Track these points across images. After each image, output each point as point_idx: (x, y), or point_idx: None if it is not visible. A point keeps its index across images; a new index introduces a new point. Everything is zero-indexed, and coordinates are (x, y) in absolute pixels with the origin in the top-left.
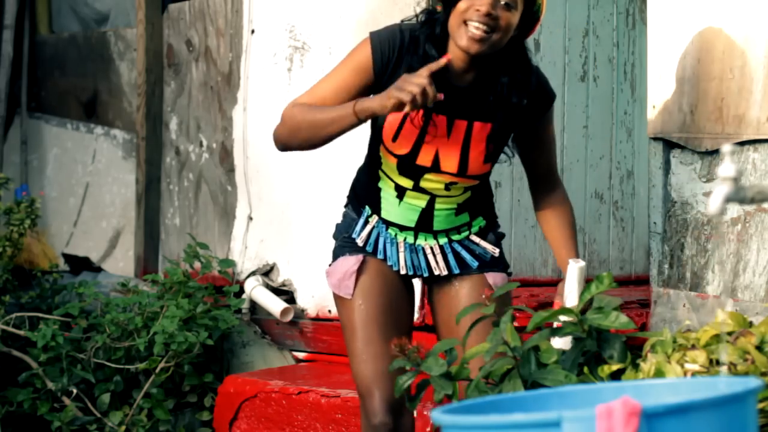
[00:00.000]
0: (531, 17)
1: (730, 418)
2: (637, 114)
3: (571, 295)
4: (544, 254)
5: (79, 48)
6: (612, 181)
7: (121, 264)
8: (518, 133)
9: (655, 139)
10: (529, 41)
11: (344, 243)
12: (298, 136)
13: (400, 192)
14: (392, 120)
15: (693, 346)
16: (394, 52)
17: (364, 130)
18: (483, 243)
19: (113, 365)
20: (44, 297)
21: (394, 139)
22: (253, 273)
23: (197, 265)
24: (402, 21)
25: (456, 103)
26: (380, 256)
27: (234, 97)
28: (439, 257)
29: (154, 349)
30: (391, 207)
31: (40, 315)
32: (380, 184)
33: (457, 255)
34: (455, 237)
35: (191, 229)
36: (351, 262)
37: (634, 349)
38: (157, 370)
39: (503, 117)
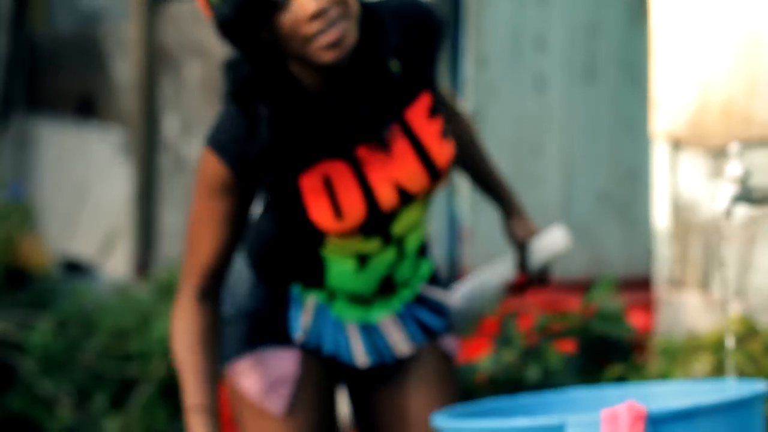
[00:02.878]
0: None
1: (737, 422)
2: (641, 113)
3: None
4: None
5: (75, 46)
6: (617, 181)
7: (118, 265)
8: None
9: (660, 138)
10: (533, 39)
11: (263, 325)
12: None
13: (363, 260)
14: (314, 201)
15: (699, 349)
16: (243, 134)
17: None
18: (436, 292)
19: (109, 368)
20: (39, 299)
21: (339, 215)
22: None
23: None
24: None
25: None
26: (329, 347)
27: None
28: (400, 331)
29: (150, 352)
30: (342, 276)
31: (35, 318)
32: (324, 254)
33: (417, 320)
34: (407, 295)
35: None
36: (287, 362)
37: (639, 352)
38: (154, 374)
39: (417, 82)
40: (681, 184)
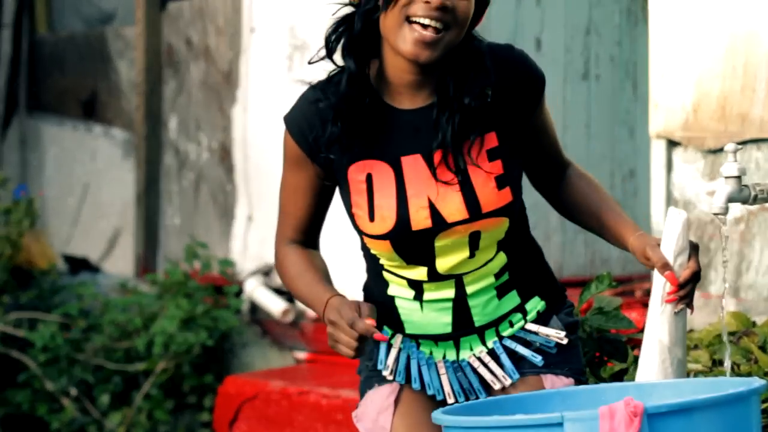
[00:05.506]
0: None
1: (733, 418)
2: (639, 112)
3: (682, 254)
4: (546, 253)
5: (78, 47)
6: (614, 180)
7: (121, 264)
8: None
9: (658, 137)
10: (530, 39)
11: (370, 374)
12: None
13: (417, 290)
14: (356, 196)
15: (696, 346)
16: (314, 116)
17: None
18: (543, 330)
19: (112, 366)
20: (43, 297)
21: (372, 217)
22: (253, 273)
23: (197, 265)
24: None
25: (421, 132)
26: (416, 385)
27: (234, 96)
28: (493, 364)
29: (154, 350)
30: (413, 316)
31: (39, 316)
32: (390, 291)
33: (512, 354)
34: (506, 332)
35: (191, 229)
36: (384, 392)
37: (636, 350)
38: (157, 371)
39: (486, 121)
40: (677, 183)
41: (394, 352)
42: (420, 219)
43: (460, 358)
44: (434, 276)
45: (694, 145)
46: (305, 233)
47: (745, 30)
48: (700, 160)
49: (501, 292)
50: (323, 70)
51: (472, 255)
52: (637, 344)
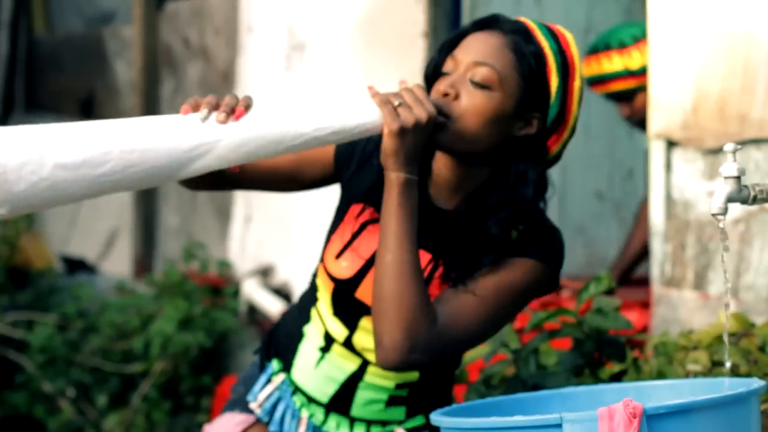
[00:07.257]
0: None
1: (732, 419)
2: None
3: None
4: None
5: (75, 47)
6: (613, 181)
7: (118, 265)
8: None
9: (657, 137)
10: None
11: (239, 398)
12: None
13: (327, 344)
14: (343, 228)
15: (695, 347)
16: (365, 158)
17: None
18: None
19: (110, 367)
20: (40, 298)
21: (340, 253)
22: (251, 274)
23: (194, 265)
24: None
25: (424, 228)
26: (274, 428)
27: None
28: None
29: (151, 351)
30: (306, 365)
31: (37, 317)
32: (306, 328)
33: None
34: (375, 430)
35: (189, 230)
36: (237, 419)
37: (635, 350)
38: (155, 372)
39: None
40: (676, 183)
41: (269, 388)
42: (365, 292)
43: (325, 428)
44: (348, 345)
45: (693, 145)
46: (245, 171)
47: (744, 30)
48: (699, 160)
49: (391, 402)
50: (320, 70)
51: None
52: (636, 345)
